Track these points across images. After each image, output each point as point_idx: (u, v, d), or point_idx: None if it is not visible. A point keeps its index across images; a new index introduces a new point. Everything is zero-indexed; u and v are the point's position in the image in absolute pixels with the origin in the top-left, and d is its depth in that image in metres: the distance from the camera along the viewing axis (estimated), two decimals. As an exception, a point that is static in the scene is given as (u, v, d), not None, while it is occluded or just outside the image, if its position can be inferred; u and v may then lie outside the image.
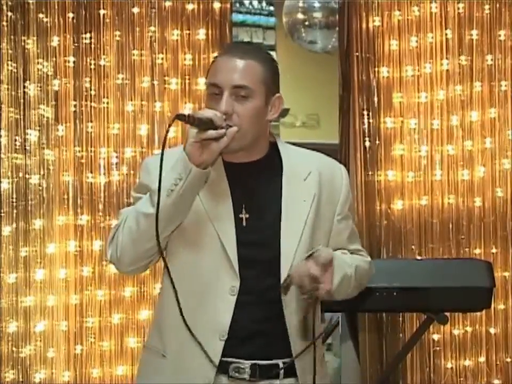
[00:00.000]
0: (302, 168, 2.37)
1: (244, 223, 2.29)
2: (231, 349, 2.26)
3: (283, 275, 2.25)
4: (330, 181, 2.39)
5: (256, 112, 2.26)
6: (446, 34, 4.54)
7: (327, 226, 2.37)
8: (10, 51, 4.22)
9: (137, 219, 2.21)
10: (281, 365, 2.28)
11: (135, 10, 4.49)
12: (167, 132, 2.19)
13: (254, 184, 2.34)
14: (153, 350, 2.36)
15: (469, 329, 4.47)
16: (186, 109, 4.48)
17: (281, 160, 2.38)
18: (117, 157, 4.45)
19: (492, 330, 4.44)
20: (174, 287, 2.26)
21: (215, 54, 4.49)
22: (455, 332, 4.47)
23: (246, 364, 2.26)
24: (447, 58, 4.54)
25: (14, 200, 4.20)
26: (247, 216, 2.29)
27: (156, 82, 4.50)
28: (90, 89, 4.44)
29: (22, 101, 4.25)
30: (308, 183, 2.35)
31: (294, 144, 2.49)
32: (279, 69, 2.37)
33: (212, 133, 2.15)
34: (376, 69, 4.58)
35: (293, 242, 2.28)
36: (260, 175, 2.35)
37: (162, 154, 2.16)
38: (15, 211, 4.19)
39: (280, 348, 2.29)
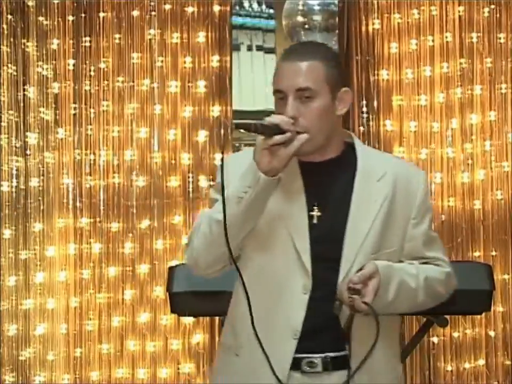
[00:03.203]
0: (377, 169, 2.35)
1: (315, 221, 2.28)
2: (302, 345, 2.26)
3: (341, 275, 2.25)
4: (406, 184, 2.36)
5: (323, 111, 2.25)
6: (446, 37, 4.54)
7: (401, 230, 2.34)
8: (10, 54, 4.22)
9: (210, 225, 2.23)
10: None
11: (135, 13, 4.50)
12: (222, 153, 2.23)
13: (327, 183, 2.33)
14: (226, 347, 2.37)
15: (468, 332, 4.47)
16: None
17: (356, 159, 2.36)
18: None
19: (492, 333, 4.44)
20: (247, 295, 2.26)
21: (216, 57, 4.51)
22: (455, 334, 4.47)
23: (318, 357, 2.26)
24: (447, 61, 4.54)
25: (14, 202, 4.21)
26: (319, 214, 2.29)
27: (155, 85, 4.50)
28: (90, 92, 4.45)
29: (21, 104, 4.26)
30: (381, 184, 2.33)
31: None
32: (342, 63, 2.38)
33: (278, 138, 2.13)
34: (376, 72, 4.58)
35: (356, 243, 2.27)
36: (334, 173, 2.34)
37: (222, 177, 2.17)
38: (15, 214, 4.19)
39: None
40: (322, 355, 2.26)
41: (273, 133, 2.14)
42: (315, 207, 2.29)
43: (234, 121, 2.19)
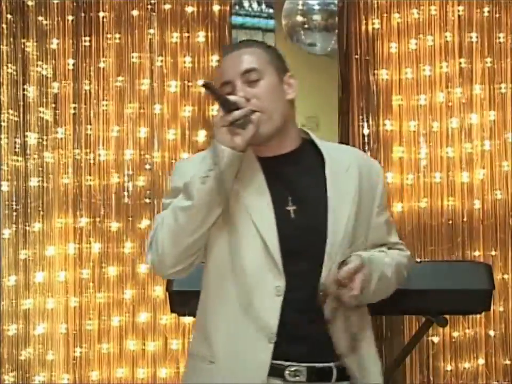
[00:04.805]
0: (342, 160, 2.30)
1: (293, 215, 2.21)
2: (284, 351, 2.16)
3: (324, 272, 2.16)
4: (368, 172, 2.33)
5: (272, 89, 2.23)
6: (446, 36, 4.54)
7: (366, 220, 2.30)
8: (9, 54, 4.22)
9: (175, 215, 2.14)
10: (333, 368, 2.21)
11: (135, 13, 4.50)
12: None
13: (294, 175, 2.27)
14: (199, 356, 2.25)
15: (468, 331, 4.46)
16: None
17: (319, 151, 2.32)
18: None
19: (491, 333, 4.44)
20: None
21: (215, 56, 4.51)
22: (455, 334, 4.47)
23: (303, 366, 2.18)
24: (446, 60, 4.54)
25: (14, 202, 4.21)
26: (295, 208, 2.22)
27: (155, 85, 4.50)
28: (90, 92, 4.45)
29: (21, 103, 4.26)
30: (350, 174, 2.28)
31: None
32: (281, 54, 2.35)
33: (237, 113, 2.10)
34: (376, 72, 4.58)
35: (337, 237, 2.19)
36: (298, 165, 2.29)
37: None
38: (14, 214, 4.20)
39: (331, 349, 2.21)
40: (308, 364, 2.17)
41: (232, 108, 2.11)
42: (289, 202, 2.21)
43: (206, 80, 2.13)
